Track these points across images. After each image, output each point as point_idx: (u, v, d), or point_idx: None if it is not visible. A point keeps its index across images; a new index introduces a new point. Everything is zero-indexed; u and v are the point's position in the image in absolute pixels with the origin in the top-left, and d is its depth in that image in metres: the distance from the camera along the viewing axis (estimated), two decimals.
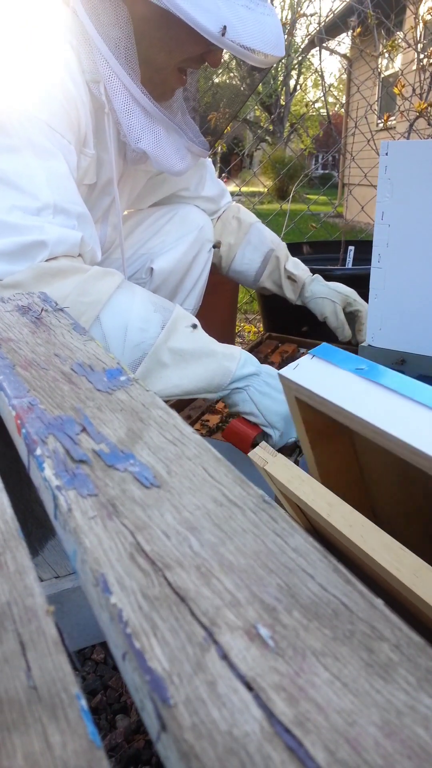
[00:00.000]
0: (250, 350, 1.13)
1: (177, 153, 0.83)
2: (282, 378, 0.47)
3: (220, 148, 1.87)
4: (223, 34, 0.68)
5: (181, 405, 0.91)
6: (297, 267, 1.11)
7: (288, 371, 0.46)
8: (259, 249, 1.10)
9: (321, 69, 2.28)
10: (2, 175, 0.64)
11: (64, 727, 0.18)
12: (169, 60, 0.77)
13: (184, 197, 1.06)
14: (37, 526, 0.57)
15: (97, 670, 0.68)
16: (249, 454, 0.49)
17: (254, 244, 1.10)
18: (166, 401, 0.83)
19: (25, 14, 0.72)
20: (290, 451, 0.76)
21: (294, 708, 0.18)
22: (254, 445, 0.73)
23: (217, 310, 1.26)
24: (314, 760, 0.17)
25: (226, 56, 0.92)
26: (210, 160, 1.09)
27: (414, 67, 1.89)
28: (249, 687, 0.19)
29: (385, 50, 1.87)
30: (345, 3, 2.45)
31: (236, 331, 1.90)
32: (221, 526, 0.26)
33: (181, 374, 0.67)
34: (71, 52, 0.72)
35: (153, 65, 0.77)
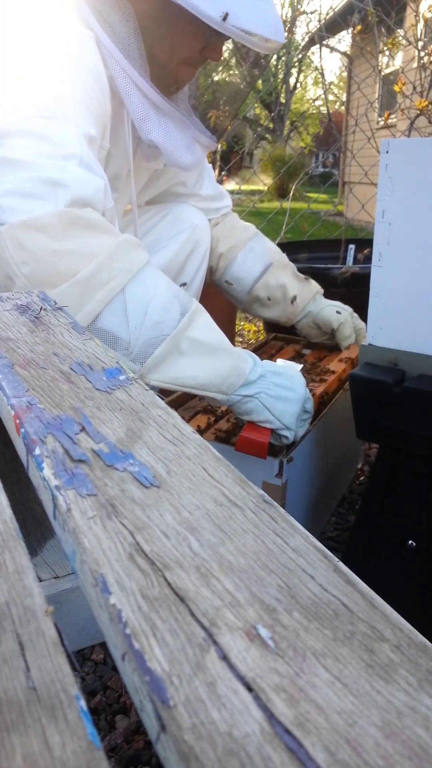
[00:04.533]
0: (255, 350, 1.12)
1: (186, 146, 0.83)
2: None
3: (220, 146, 1.87)
4: (224, 20, 0.69)
5: (175, 405, 0.91)
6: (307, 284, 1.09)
7: None
8: (262, 259, 1.08)
9: (321, 67, 2.28)
10: (35, 131, 0.64)
11: (63, 727, 0.18)
12: (172, 56, 0.77)
13: (180, 194, 1.05)
14: (36, 526, 0.57)
15: (97, 670, 0.68)
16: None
17: (257, 253, 1.08)
18: (162, 395, 0.83)
19: (42, 7, 0.72)
20: (278, 450, 0.76)
21: (294, 709, 0.18)
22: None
23: (218, 308, 1.25)
24: (314, 761, 0.17)
25: (225, 54, 0.92)
26: (209, 164, 1.09)
27: (415, 65, 1.89)
28: (249, 688, 0.19)
29: (385, 48, 1.87)
30: (345, 0, 2.44)
31: (236, 330, 1.89)
32: (221, 527, 0.26)
33: (198, 366, 0.66)
34: (95, 46, 0.73)
35: (156, 62, 0.77)
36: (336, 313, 1.04)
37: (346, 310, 1.06)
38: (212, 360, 0.66)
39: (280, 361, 0.79)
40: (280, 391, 0.70)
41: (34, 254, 0.61)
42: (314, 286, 1.07)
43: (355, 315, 1.06)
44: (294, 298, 1.05)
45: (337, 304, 1.07)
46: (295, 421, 0.71)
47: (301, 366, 0.86)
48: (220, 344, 0.68)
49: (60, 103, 0.66)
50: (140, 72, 0.75)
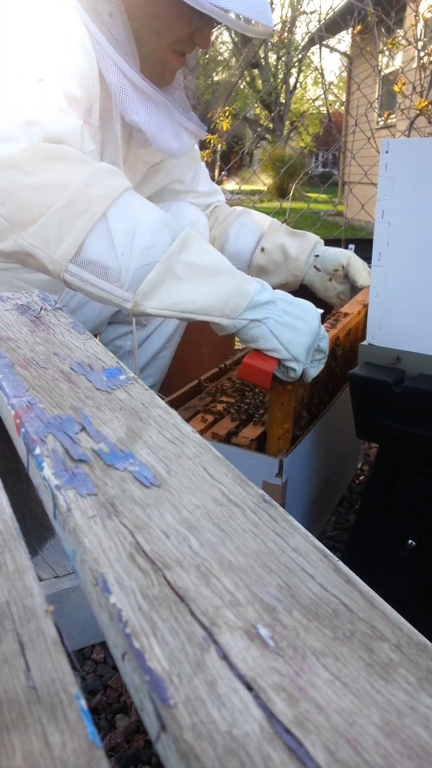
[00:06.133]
0: None
1: (173, 131, 0.82)
2: None
3: (219, 146, 1.87)
4: None
5: (174, 405, 0.91)
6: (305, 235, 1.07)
7: None
8: (254, 231, 1.07)
9: (321, 67, 2.28)
10: (19, 87, 0.64)
11: (63, 727, 0.18)
12: (160, 42, 0.77)
13: (178, 191, 1.05)
14: (36, 525, 0.56)
15: (97, 669, 0.68)
16: None
17: (249, 226, 1.07)
18: (162, 397, 0.83)
19: None
20: (305, 392, 0.71)
21: (294, 708, 0.18)
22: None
23: None
24: (314, 761, 0.17)
25: (226, 54, 0.92)
26: (203, 163, 1.09)
27: (414, 65, 1.89)
28: (249, 687, 0.19)
29: (385, 48, 1.87)
30: (345, 1, 2.44)
31: None
32: (221, 526, 0.26)
33: (197, 289, 0.62)
34: (84, 27, 0.73)
35: (146, 48, 0.78)
36: (344, 251, 1.03)
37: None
38: (213, 282, 0.62)
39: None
40: (291, 320, 0.65)
41: (9, 192, 0.59)
42: (312, 237, 1.06)
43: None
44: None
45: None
46: (304, 353, 0.66)
47: (321, 311, 0.83)
48: (220, 266, 0.64)
49: (47, 66, 0.67)
50: (123, 55, 0.75)
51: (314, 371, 0.70)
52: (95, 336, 1.05)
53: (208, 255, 0.64)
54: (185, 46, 0.80)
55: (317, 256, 1.05)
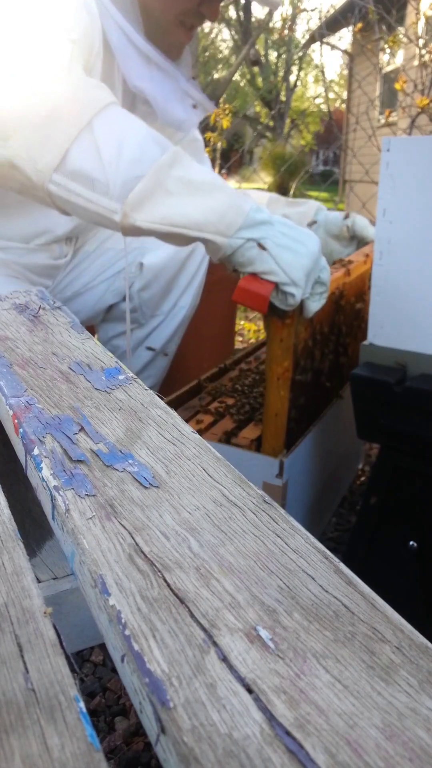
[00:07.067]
0: (256, 350, 1.11)
1: (178, 100, 0.80)
2: None
3: (219, 144, 1.87)
4: None
5: (174, 405, 0.91)
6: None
7: None
8: None
9: (322, 64, 2.27)
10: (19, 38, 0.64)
11: (62, 729, 0.18)
12: (167, 12, 0.76)
13: None
14: (34, 526, 0.56)
15: (96, 672, 0.68)
16: None
17: None
18: (161, 397, 0.82)
19: None
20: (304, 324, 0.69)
21: (294, 710, 0.18)
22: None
23: (217, 307, 1.25)
24: (315, 763, 0.16)
25: (225, 52, 0.91)
26: (207, 156, 1.08)
27: (416, 63, 1.88)
28: (249, 689, 0.19)
29: (386, 45, 1.86)
30: None
31: (236, 329, 1.89)
32: (221, 527, 0.26)
33: (191, 203, 0.60)
34: None
35: (153, 19, 0.77)
36: (343, 213, 1.01)
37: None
38: (206, 197, 0.60)
39: None
40: (289, 242, 0.62)
41: None
42: (313, 203, 1.05)
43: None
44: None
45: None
46: (303, 276, 0.62)
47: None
48: (214, 182, 0.61)
49: (48, 15, 0.66)
50: (130, 21, 0.73)
51: (315, 305, 0.66)
52: (90, 329, 1.04)
53: (200, 171, 0.62)
54: (193, 18, 0.78)
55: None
